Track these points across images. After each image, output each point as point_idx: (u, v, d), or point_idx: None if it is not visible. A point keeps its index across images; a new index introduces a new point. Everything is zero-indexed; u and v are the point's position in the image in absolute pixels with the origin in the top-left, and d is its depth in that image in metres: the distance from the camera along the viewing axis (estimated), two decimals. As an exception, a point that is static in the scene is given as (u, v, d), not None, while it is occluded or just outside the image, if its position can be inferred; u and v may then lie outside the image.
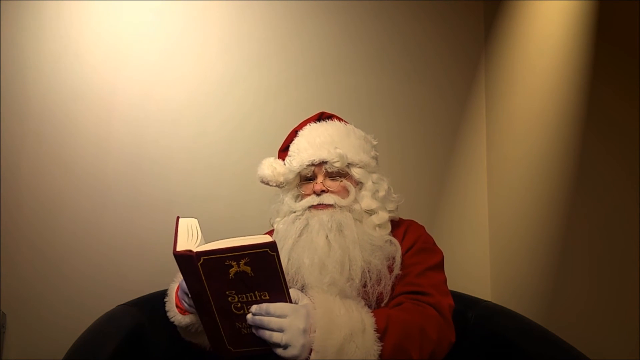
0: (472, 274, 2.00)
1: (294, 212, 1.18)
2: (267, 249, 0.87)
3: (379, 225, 1.17)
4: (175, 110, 1.85)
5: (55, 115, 1.76)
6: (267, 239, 0.88)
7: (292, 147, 1.24)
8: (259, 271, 0.89)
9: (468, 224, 2.04)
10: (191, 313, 1.10)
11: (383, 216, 1.17)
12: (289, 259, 1.10)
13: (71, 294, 1.73)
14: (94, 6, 1.80)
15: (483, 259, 2.04)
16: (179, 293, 1.11)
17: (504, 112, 1.93)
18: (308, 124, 1.26)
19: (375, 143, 1.28)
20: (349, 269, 1.07)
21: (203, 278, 0.89)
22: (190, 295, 0.97)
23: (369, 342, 0.93)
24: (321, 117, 1.30)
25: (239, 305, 0.93)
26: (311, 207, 1.16)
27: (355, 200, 1.16)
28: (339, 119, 1.30)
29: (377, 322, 0.95)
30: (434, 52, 2.05)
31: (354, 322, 0.94)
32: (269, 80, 1.92)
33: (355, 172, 1.19)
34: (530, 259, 1.74)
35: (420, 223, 1.29)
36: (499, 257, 1.98)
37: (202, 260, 0.88)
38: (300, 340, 0.89)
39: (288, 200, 1.21)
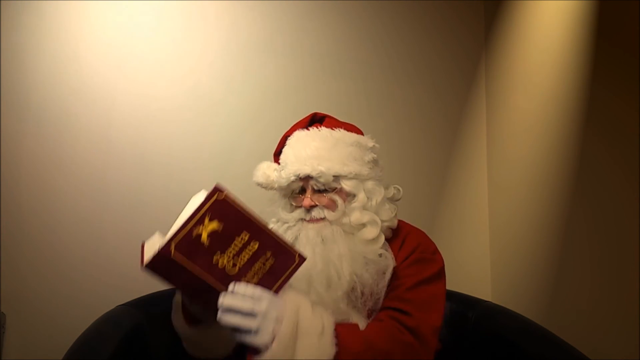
0: (473, 274, 2.00)
1: (286, 222, 1.17)
2: (216, 195, 0.88)
3: (370, 240, 1.13)
4: (175, 109, 1.84)
5: (55, 115, 1.76)
6: (211, 190, 0.88)
7: (282, 156, 1.21)
8: (226, 220, 0.89)
9: (468, 224, 2.04)
10: (197, 323, 1.07)
11: (372, 231, 1.13)
12: None
13: (71, 294, 1.73)
14: (94, 6, 1.79)
15: (483, 259, 2.03)
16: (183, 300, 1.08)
17: (504, 112, 1.93)
18: (297, 130, 1.23)
19: (371, 145, 1.21)
20: (336, 283, 1.06)
21: (185, 264, 0.86)
22: (188, 295, 0.95)
23: (325, 345, 0.96)
24: (314, 118, 1.26)
25: (231, 263, 0.91)
26: (302, 219, 1.15)
27: (345, 214, 1.13)
28: (333, 120, 1.26)
29: (337, 328, 0.99)
30: (434, 52, 2.04)
31: (316, 322, 0.97)
32: (269, 80, 1.91)
33: (345, 185, 1.14)
34: (531, 258, 1.74)
35: (420, 228, 1.25)
36: (500, 257, 1.98)
37: (172, 247, 0.85)
38: (271, 327, 0.91)
39: (280, 210, 1.20)
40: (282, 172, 1.17)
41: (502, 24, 1.94)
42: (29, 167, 1.74)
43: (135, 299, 1.46)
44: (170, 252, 0.84)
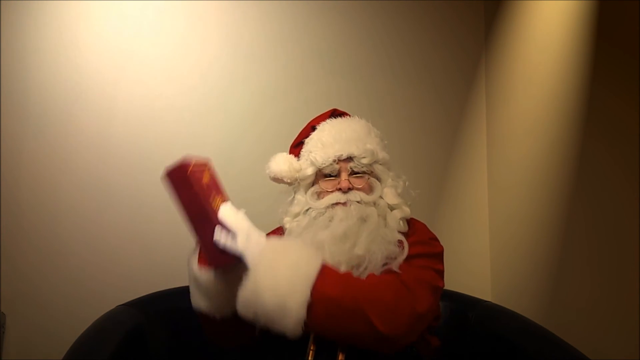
0: (473, 274, 2.00)
1: (314, 209, 1.15)
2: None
3: (401, 219, 1.15)
4: (176, 109, 1.84)
5: (55, 115, 1.76)
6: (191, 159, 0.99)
7: (311, 143, 1.21)
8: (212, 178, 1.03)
9: (469, 224, 2.04)
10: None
11: (406, 210, 1.17)
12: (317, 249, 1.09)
13: (71, 294, 1.73)
14: (95, 5, 1.79)
15: (483, 259, 2.03)
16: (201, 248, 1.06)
17: (504, 111, 1.93)
18: (326, 119, 1.25)
19: (385, 142, 1.27)
20: (354, 246, 1.07)
21: (195, 184, 0.96)
22: (188, 218, 0.99)
23: (310, 258, 0.98)
24: (334, 114, 1.29)
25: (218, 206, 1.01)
26: (335, 204, 1.14)
27: (380, 197, 1.16)
28: (350, 117, 1.29)
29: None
30: (434, 52, 2.04)
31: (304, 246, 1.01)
32: (270, 81, 1.91)
33: (378, 169, 1.18)
34: (531, 258, 1.74)
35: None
36: (500, 257, 1.98)
37: (191, 167, 0.96)
38: (255, 235, 0.99)
39: (307, 197, 1.17)
40: (316, 154, 1.17)
41: (502, 24, 1.94)
42: (29, 166, 1.74)
43: (135, 299, 1.47)
44: (188, 168, 0.96)
